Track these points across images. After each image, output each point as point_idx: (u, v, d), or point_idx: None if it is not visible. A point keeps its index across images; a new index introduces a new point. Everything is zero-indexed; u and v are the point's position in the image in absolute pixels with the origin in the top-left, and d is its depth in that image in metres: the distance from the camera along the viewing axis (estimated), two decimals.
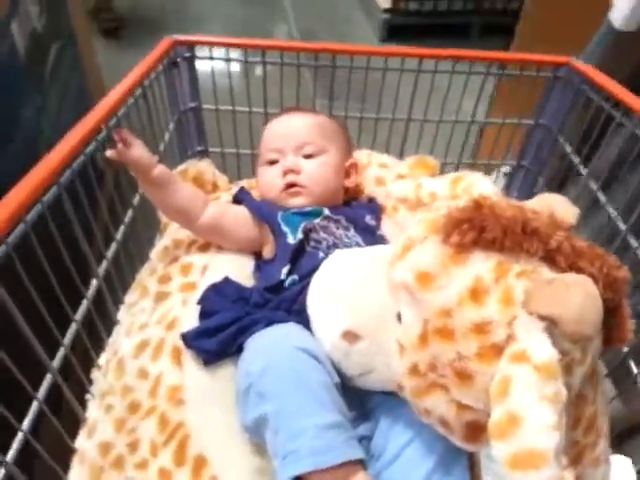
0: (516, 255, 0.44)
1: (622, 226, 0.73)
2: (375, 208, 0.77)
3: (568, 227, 0.47)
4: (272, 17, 2.53)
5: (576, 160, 0.87)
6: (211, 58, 0.90)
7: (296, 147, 0.74)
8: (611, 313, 0.50)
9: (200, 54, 0.90)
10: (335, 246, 0.66)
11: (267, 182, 0.76)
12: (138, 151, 0.65)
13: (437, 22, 2.43)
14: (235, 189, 0.80)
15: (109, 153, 0.64)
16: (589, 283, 0.42)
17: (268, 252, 0.71)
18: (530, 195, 1.00)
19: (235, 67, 0.91)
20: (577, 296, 0.41)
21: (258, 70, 0.91)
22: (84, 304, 0.62)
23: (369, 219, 0.73)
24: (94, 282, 0.64)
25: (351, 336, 0.51)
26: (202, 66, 0.92)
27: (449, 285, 0.44)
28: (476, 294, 0.43)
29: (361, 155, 0.86)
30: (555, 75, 0.88)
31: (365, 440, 0.54)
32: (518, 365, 0.40)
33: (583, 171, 0.84)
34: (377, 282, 0.52)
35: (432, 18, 2.43)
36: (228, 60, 0.91)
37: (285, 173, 0.73)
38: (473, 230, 0.44)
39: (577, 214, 0.49)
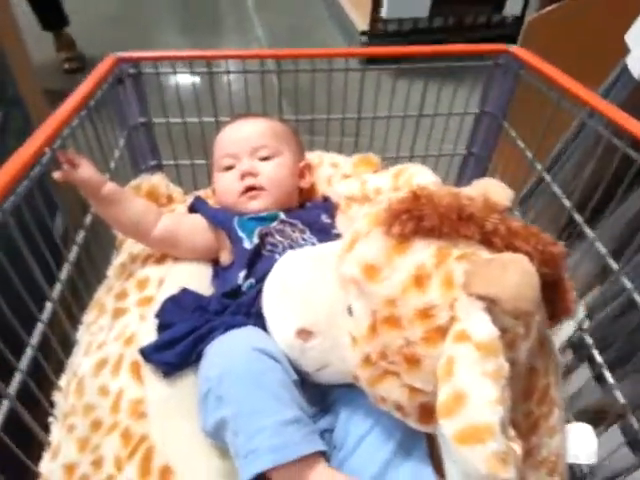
0: (455, 240, 0.46)
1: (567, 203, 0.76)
2: (329, 207, 0.78)
3: (503, 210, 0.48)
4: (246, 44, 2.49)
5: (522, 145, 0.89)
6: (157, 74, 0.90)
7: (251, 151, 0.75)
8: (552, 288, 0.52)
9: (146, 70, 0.90)
10: (291, 248, 0.66)
11: (225, 187, 0.76)
12: (85, 171, 0.65)
13: (418, 41, 2.28)
14: (190, 200, 0.80)
15: (56, 175, 0.63)
16: (525, 261, 0.43)
17: (225, 259, 0.71)
18: None
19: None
20: (513, 274, 0.42)
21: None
22: (39, 327, 0.61)
23: (324, 218, 0.74)
24: (48, 305, 0.63)
25: (305, 334, 0.52)
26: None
27: (393, 275, 0.46)
28: (419, 281, 0.45)
29: (313, 156, 0.87)
30: (495, 63, 0.91)
31: (327, 433, 0.55)
32: (460, 345, 0.41)
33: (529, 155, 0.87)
34: (328, 278, 0.53)
35: (413, 37, 2.28)
36: (175, 73, 0.91)
37: (243, 176, 0.74)
38: (412, 220, 0.45)
39: (512, 196, 0.51)
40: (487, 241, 0.46)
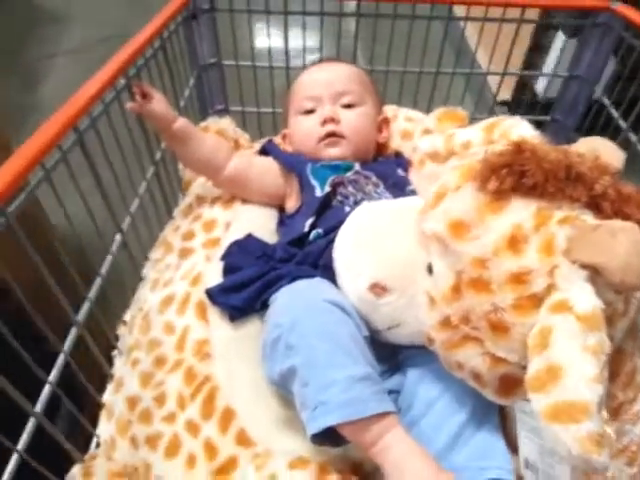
0: (559, 201, 0.42)
1: None
2: (403, 162, 0.74)
3: (614, 172, 0.44)
4: None
5: (615, 114, 0.82)
6: (231, 10, 0.87)
7: (335, 95, 0.72)
8: None
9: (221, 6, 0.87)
10: (363, 201, 0.64)
11: (304, 131, 0.73)
12: (158, 105, 0.64)
13: None
14: (258, 147, 0.78)
15: (129, 105, 0.63)
16: (636, 230, 0.39)
17: (292, 205, 0.69)
18: None
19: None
20: (623, 244, 0.38)
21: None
22: (108, 259, 0.61)
23: (400, 172, 0.71)
24: (117, 237, 0.63)
25: (378, 288, 0.49)
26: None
27: (485, 234, 0.42)
28: (514, 243, 0.41)
29: (387, 109, 0.83)
30: (594, 22, 0.83)
31: (394, 394, 0.53)
32: (559, 315, 0.38)
33: (622, 124, 0.80)
34: (406, 233, 0.50)
35: None
36: (250, 12, 0.87)
37: (324, 122, 0.71)
38: (512, 175, 0.42)
39: (623, 158, 0.46)
40: (594, 205, 0.42)
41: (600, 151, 0.45)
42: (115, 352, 0.63)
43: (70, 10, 2.10)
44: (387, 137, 0.78)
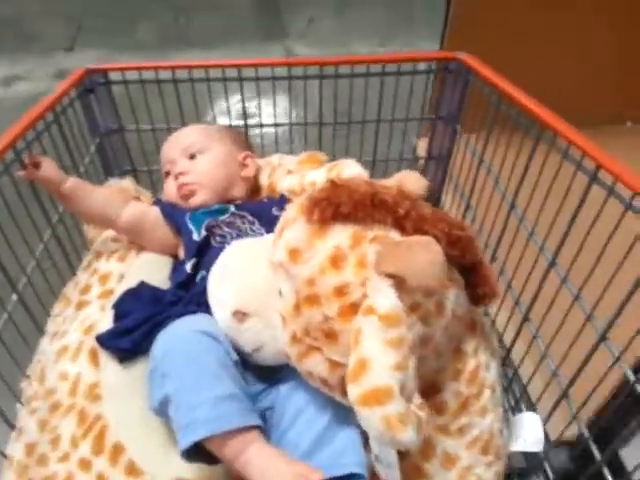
0: (370, 225, 0.50)
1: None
2: (283, 201, 0.82)
3: (416, 197, 0.53)
4: None
5: (473, 147, 0.94)
6: (125, 82, 0.95)
7: (182, 151, 0.82)
8: (471, 272, 0.56)
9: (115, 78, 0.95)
10: (239, 238, 0.71)
11: (168, 191, 0.82)
12: (47, 170, 0.70)
13: None
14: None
15: (19, 174, 0.68)
16: (431, 242, 0.47)
17: (181, 253, 0.76)
18: (442, 183, 1.08)
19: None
20: (419, 254, 0.46)
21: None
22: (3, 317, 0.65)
23: (275, 211, 0.78)
24: (13, 297, 0.68)
25: (240, 315, 0.56)
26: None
27: (314, 257, 0.50)
28: (335, 261, 0.49)
29: (273, 158, 0.92)
30: (447, 69, 0.95)
31: (270, 410, 0.58)
32: (366, 317, 0.45)
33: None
34: (263, 264, 0.57)
35: None
36: (142, 82, 0.96)
37: (177, 177, 0.80)
38: (330, 206, 0.50)
39: (425, 185, 0.55)
40: (399, 225, 0.50)
41: (406, 181, 0.54)
42: (17, 405, 0.66)
43: None
44: (252, 171, 0.86)
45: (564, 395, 0.63)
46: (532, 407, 0.74)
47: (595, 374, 0.57)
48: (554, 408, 0.65)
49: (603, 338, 0.56)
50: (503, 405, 0.66)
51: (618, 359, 0.54)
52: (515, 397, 0.79)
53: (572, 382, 0.61)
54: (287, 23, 2.34)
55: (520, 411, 0.75)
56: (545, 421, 0.67)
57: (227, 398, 0.51)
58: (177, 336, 0.56)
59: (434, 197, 1.12)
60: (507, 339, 0.80)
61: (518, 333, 0.75)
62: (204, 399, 0.51)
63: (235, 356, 0.57)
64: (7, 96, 1.73)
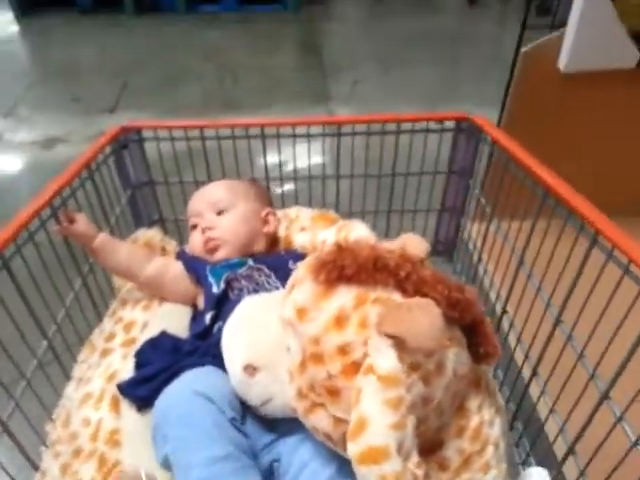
0: (373, 286, 0.53)
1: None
2: (300, 255, 0.86)
3: (417, 260, 0.56)
4: None
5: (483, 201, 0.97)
6: (157, 139, 1.02)
7: (209, 206, 0.86)
8: (471, 332, 0.58)
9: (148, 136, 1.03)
10: (256, 292, 0.75)
11: (193, 243, 0.87)
12: (80, 226, 0.76)
13: None
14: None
15: (55, 229, 0.74)
16: (431, 304, 0.50)
17: (201, 303, 0.80)
18: (456, 235, 1.11)
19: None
20: (418, 316, 0.49)
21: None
22: (33, 363, 0.70)
23: (291, 264, 0.81)
24: (44, 343, 0.72)
25: (250, 369, 0.59)
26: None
27: (319, 316, 0.53)
28: (339, 321, 0.52)
29: (291, 210, 0.97)
30: (459, 128, 1.00)
31: (276, 463, 0.61)
32: (366, 377, 0.47)
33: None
34: (274, 319, 0.60)
35: None
36: (172, 140, 1.02)
37: (203, 231, 0.84)
38: (335, 269, 0.53)
39: (427, 249, 0.58)
40: (401, 287, 0.53)
41: (408, 244, 0.58)
42: (42, 448, 0.70)
43: None
44: (274, 227, 0.91)
45: (570, 451, 0.63)
46: (543, 461, 0.74)
47: (602, 431, 0.58)
48: (561, 465, 0.65)
49: (606, 397, 0.57)
50: (512, 460, 0.66)
51: (620, 419, 0.55)
52: (526, 451, 0.79)
53: (577, 439, 0.62)
54: (331, 86, 2.38)
55: (530, 465, 0.75)
56: (554, 476, 0.67)
57: (222, 458, 0.54)
58: (174, 396, 0.60)
59: (450, 247, 1.15)
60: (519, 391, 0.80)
61: (527, 386, 0.76)
62: (198, 460, 0.54)
63: (231, 414, 0.59)
64: (47, 159, 1.78)
